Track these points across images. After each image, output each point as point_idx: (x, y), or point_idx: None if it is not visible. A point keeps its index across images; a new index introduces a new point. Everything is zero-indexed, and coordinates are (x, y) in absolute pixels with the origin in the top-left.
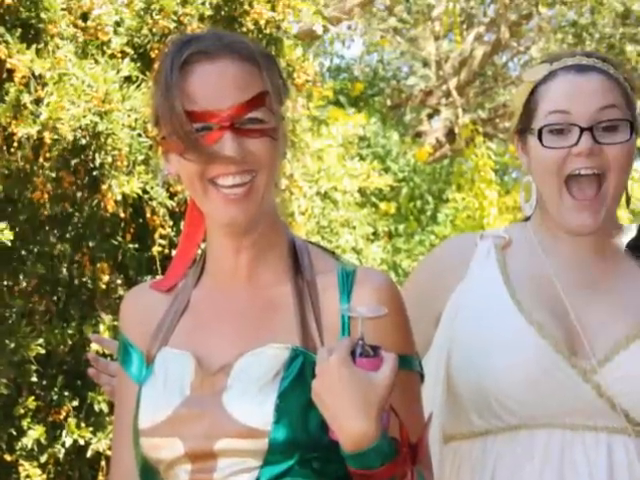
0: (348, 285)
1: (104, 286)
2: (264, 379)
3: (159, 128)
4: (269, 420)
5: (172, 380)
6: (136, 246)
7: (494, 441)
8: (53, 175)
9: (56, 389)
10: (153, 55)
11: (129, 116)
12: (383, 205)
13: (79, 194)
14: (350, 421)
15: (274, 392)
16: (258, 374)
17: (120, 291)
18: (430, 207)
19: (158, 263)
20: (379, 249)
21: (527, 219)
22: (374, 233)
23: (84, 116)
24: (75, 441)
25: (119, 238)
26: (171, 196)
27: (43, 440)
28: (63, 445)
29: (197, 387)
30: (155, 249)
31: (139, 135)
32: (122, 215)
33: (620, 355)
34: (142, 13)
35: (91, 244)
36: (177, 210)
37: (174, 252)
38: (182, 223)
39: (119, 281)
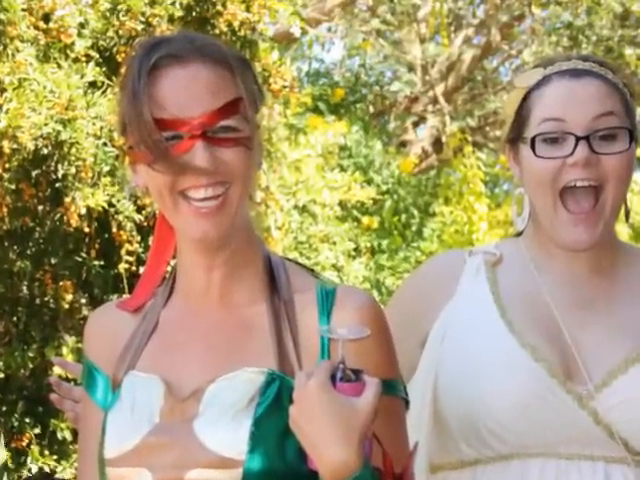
0: (328, 305)
1: (67, 306)
2: (238, 405)
3: (126, 137)
4: (243, 449)
5: (140, 406)
6: (101, 263)
7: (484, 471)
8: (12, 187)
9: (16, 415)
10: (120, 59)
11: (94, 124)
12: (365, 219)
13: (40, 207)
14: (330, 449)
15: (249, 419)
16: (232, 400)
17: (84, 311)
18: (415, 221)
19: (125, 281)
20: (361, 266)
21: (519, 234)
22: (356, 249)
23: (46, 124)
24: (40, 468)
25: (83, 254)
26: (139, 210)
27: (10, 464)
28: (29, 471)
29: (167, 414)
30: (122, 266)
31: (105, 144)
32: (86, 230)
33: (618, 380)
34: (108, 14)
35: (53, 261)
36: (145, 224)
37: (142, 269)
38: (150, 238)
39: (83, 300)
